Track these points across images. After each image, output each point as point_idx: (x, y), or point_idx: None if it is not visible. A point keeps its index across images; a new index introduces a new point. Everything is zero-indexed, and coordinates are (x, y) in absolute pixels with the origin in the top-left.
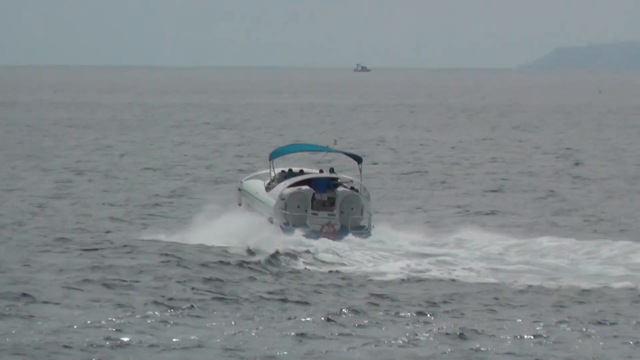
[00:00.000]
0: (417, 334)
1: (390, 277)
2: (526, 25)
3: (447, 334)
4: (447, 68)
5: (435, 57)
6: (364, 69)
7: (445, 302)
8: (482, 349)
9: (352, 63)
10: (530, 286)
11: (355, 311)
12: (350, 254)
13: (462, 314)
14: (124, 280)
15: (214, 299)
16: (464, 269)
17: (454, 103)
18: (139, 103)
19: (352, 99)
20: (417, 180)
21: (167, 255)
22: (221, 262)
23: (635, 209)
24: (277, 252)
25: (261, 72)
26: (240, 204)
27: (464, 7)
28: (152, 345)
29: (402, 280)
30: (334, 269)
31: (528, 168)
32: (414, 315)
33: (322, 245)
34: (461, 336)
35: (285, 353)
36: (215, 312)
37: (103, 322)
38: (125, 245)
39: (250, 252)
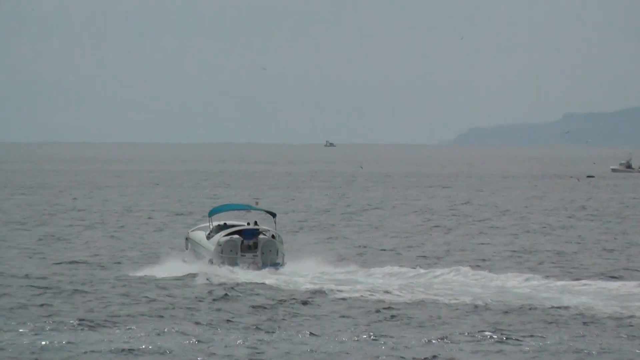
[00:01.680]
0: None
1: (298, 292)
2: (446, 107)
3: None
4: (390, 143)
5: (382, 133)
6: (331, 144)
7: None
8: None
9: (323, 139)
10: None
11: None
12: (268, 280)
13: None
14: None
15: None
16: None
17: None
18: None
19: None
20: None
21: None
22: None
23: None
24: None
25: (247, 146)
26: (187, 248)
27: (400, 93)
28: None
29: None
30: (258, 289)
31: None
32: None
33: (249, 275)
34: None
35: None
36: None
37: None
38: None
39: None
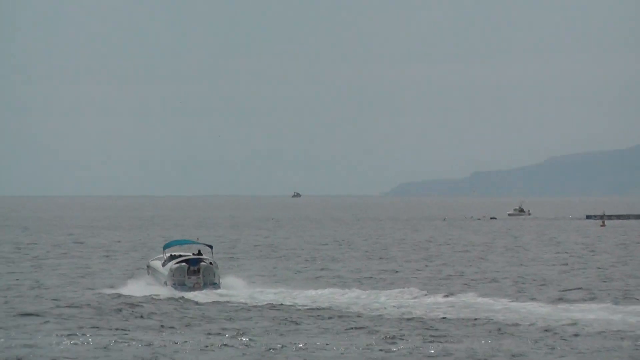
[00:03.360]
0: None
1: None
2: (379, 163)
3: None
4: (341, 194)
5: (336, 186)
6: (297, 194)
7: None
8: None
9: (291, 191)
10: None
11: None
12: (209, 297)
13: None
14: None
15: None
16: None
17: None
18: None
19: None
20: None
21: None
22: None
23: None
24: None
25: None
26: (148, 274)
27: (348, 151)
28: None
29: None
30: (203, 303)
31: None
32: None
33: (195, 294)
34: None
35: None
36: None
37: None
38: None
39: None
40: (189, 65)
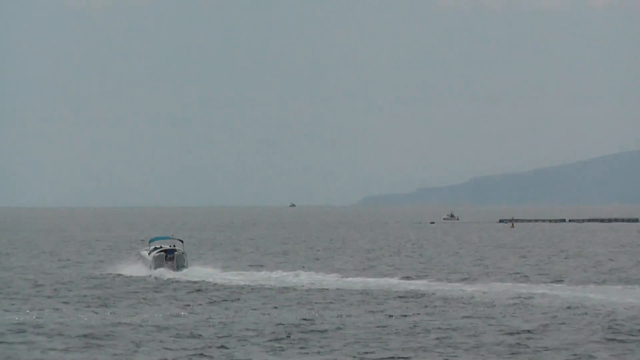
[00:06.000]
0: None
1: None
2: (351, 175)
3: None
4: (313, 204)
5: (318, 196)
6: (293, 205)
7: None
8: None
9: (288, 201)
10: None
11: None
12: (180, 277)
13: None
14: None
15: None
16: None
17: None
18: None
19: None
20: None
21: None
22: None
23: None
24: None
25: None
26: (138, 260)
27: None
28: None
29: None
30: (175, 280)
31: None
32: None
33: (170, 274)
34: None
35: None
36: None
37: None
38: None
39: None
40: (176, 78)
